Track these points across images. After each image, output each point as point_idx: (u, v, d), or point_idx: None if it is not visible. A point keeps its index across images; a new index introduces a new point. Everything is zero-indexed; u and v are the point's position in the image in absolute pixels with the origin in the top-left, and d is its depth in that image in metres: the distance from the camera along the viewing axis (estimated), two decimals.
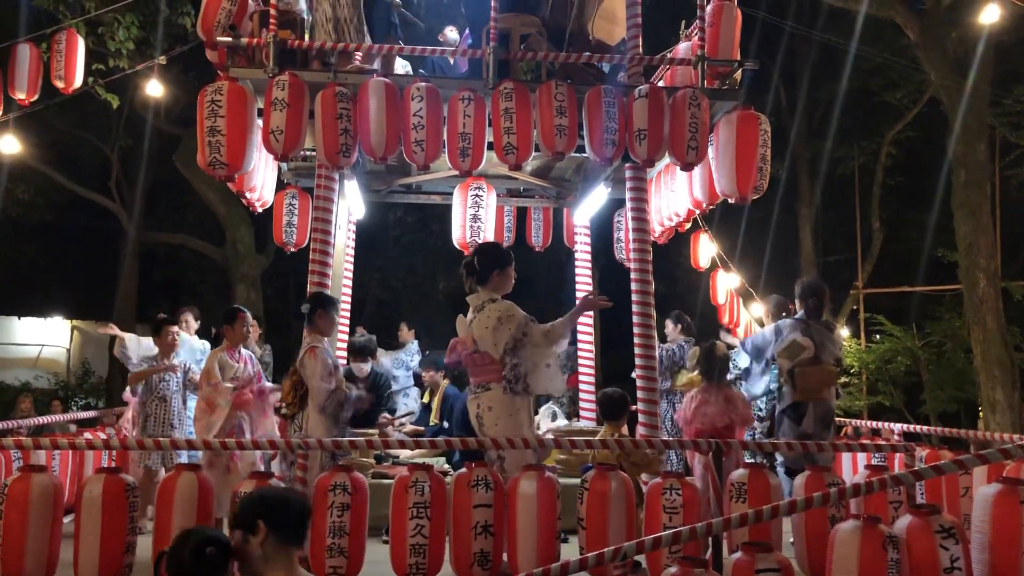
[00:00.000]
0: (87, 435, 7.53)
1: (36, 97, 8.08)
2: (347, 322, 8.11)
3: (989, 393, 11.49)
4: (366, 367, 7.30)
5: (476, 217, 7.16)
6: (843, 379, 16.02)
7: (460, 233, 7.21)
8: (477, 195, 7.17)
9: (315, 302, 5.34)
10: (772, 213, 17.65)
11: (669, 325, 8.05)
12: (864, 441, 6.65)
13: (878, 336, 16.32)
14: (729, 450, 4.80)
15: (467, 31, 7.98)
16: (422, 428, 7.34)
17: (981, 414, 12.27)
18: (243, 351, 6.03)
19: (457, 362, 5.13)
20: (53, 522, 4.23)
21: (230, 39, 5.73)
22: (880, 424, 8.55)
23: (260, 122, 5.65)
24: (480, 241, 7.10)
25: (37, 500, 4.16)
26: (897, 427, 7.53)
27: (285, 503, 3.04)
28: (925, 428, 8.16)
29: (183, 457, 5.82)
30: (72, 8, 11.01)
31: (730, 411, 5.46)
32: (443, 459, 6.71)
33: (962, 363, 14.76)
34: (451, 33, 8.36)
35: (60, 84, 8.11)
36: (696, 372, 5.93)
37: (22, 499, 4.14)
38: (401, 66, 7.64)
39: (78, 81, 8.22)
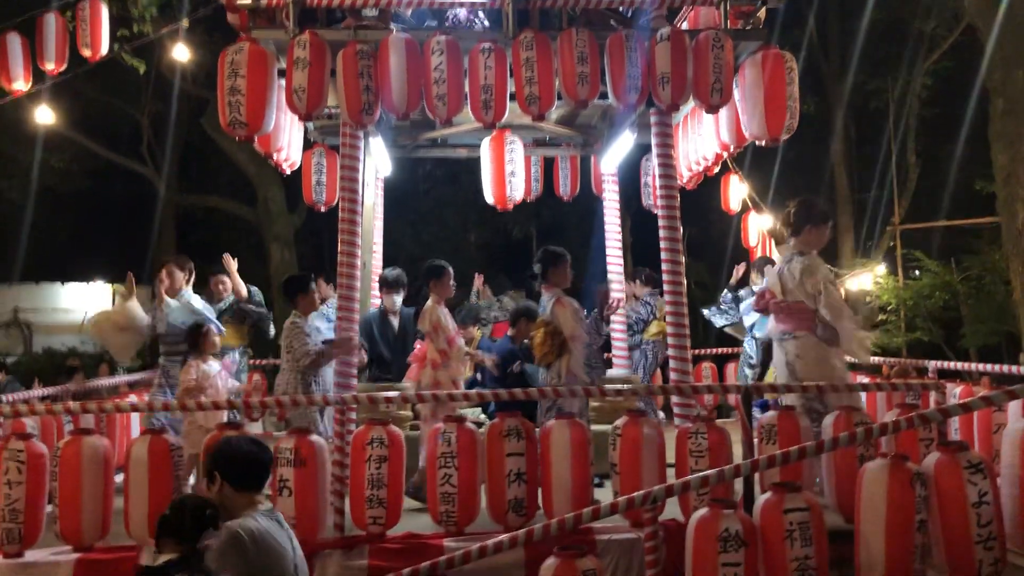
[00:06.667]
0: (132, 397, 7.74)
1: (65, 67, 8.16)
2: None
3: None
4: (399, 299, 7.24)
5: (514, 172, 7.00)
6: (881, 316, 15.85)
7: (496, 189, 6.89)
8: (512, 149, 6.97)
9: (545, 260, 5.70)
10: (805, 151, 17.35)
11: (637, 284, 8.50)
12: (894, 380, 6.62)
13: (917, 272, 16.08)
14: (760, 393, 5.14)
15: None
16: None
17: None
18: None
19: (764, 309, 5.49)
20: (105, 483, 4.41)
21: (250, 1, 5.73)
22: (899, 360, 8.53)
23: (283, 82, 5.68)
24: (516, 196, 6.95)
25: (88, 462, 4.34)
26: (932, 364, 7.48)
27: (237, 454, 3.25)
28: (962, 365, 8.09)
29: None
30: None
31: None
32: (479, 410, 6.82)
33: (1002, 296, 14.50)
34: None
35: (87, 52, 8.17)
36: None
37: (74, 461, 4.32)
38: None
39: (104, 49, 8.27)
